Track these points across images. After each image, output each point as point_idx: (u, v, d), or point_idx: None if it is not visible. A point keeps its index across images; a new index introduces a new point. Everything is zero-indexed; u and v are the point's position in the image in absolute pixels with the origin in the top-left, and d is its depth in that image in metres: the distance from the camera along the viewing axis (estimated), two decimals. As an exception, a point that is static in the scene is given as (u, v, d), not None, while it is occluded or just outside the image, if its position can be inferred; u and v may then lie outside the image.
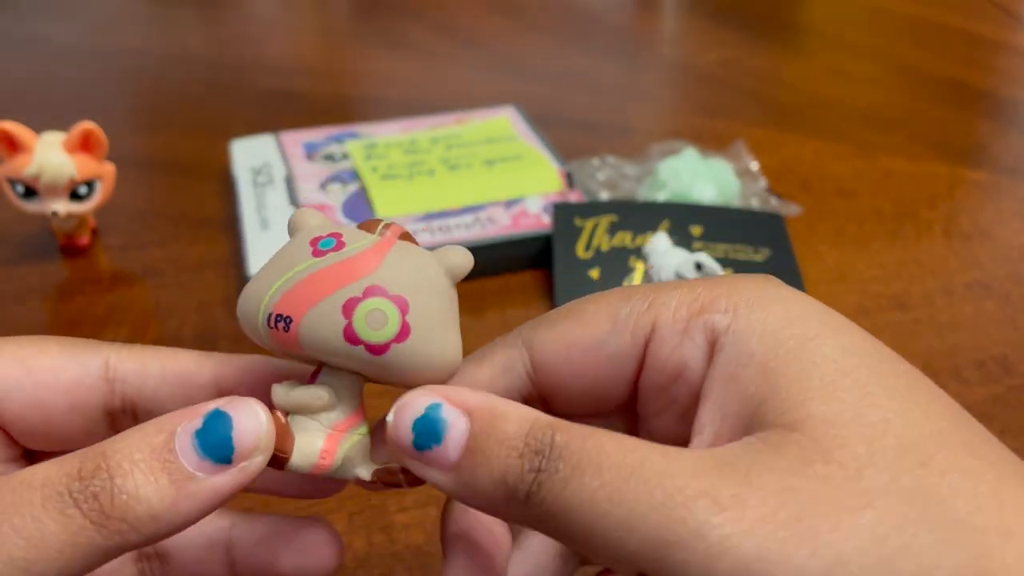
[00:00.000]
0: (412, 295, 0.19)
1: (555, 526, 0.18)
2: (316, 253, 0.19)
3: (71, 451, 0.22)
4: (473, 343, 0.44)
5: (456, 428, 0.19)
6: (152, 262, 0.49)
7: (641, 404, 0.22)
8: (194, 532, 0.23)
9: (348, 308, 0.19)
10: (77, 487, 0.17)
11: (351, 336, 0.19)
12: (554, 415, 0.23)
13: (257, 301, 0.19)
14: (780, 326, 0.19)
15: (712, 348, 0.20)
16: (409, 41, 0.77)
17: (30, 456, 0.23)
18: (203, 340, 0.43)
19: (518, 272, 0.48)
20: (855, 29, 0.82)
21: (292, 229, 0.21)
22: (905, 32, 0.80)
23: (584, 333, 0.21)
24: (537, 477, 0.17)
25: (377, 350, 0.19)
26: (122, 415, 0.22)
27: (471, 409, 0.19)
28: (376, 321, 0.19)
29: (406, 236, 0.21)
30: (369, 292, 0.19)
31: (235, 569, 0.23)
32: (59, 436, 0.22)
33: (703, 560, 0.16)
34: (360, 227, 0.20)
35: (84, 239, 0.50)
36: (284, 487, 0.23)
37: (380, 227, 0.20)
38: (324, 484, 0.23)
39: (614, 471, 0.17)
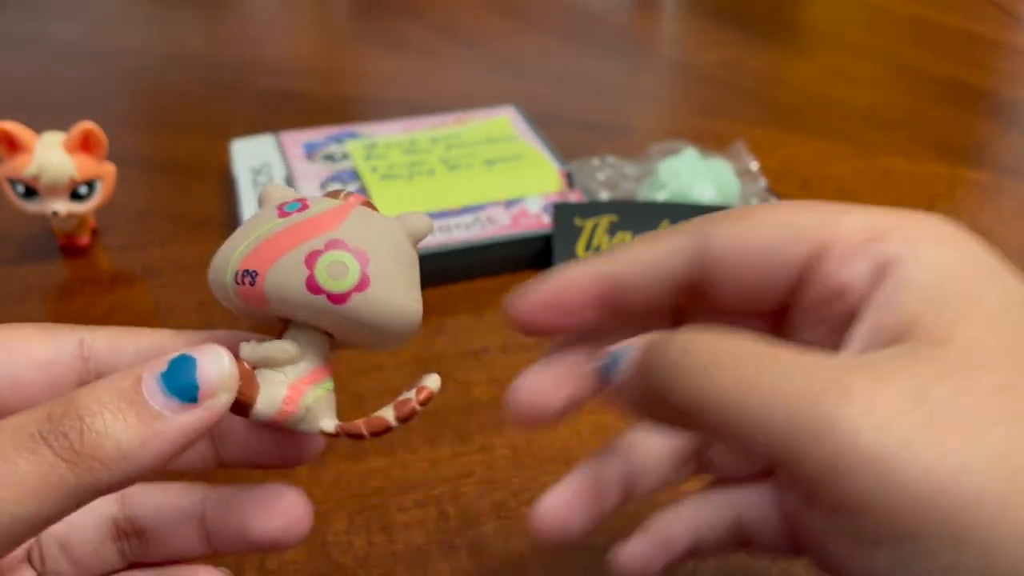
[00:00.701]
0: (372, 250, 0.20)
1: (688, 414, 0.19)
2: (282, 215, 0.20)
3: None
4: (473, 343, 0.44)
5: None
6: (152, 262, 0.49)
7: (796, 314, 0.23)
8: (169, 507, 0.24)
9: (311, 260, 0.20)
10: (47, 427, 0.17)
11: (313, 286, 0.19)
12: (706, 310, 0.24)
13: (225, 261, 0.20)
14: (952, 262, 0.20)
15: (880, 274, 0.20)
16: (409, 41, 0.77)
17: None
18: (203, 340, 0.43)
19: (518, 272, 0.48)
20: (855, 29, 0.82)
21: (261, 203, 0.22)
22: (905, 32, 0.80)
23: (760, 236, 0.22)
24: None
25: (338, 299, 0.20)
26: None
27: None
28: (337, 272, 0.20)
29: (368, 204, 0.22)
30: (330, 245, 0.20)
31: (210, 540, 0.24)
32: None
33: (830, 452, 0.17)
34: (325, 195, 0.22)
35: (84, 239, 0.50)
36: (259, 455, 0.24)
37: (343, 194, 0.21)
38: (295, 444, 0.23)
39: (750, 363, 0.18)
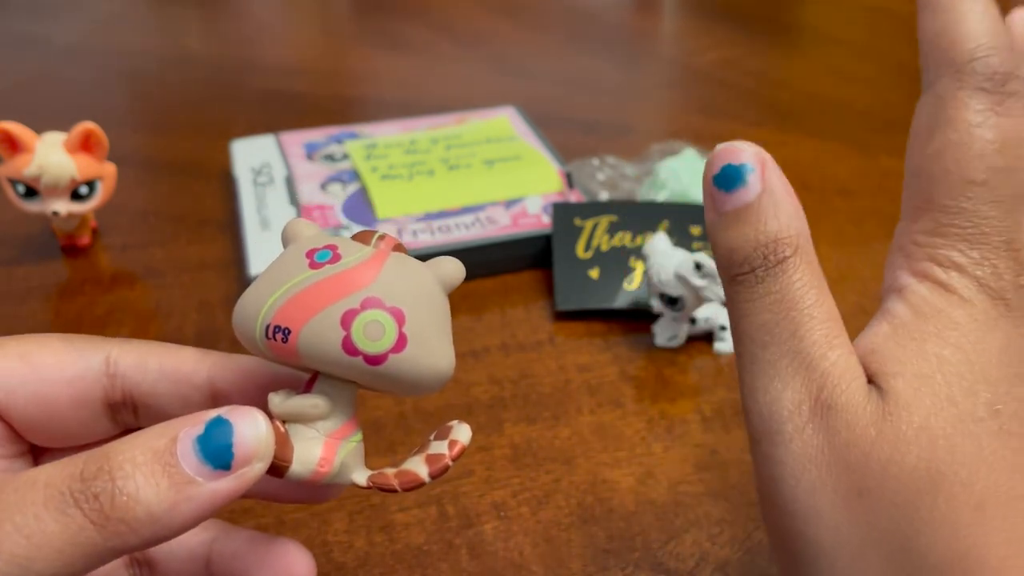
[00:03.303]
0: (408, 307, 0.20)
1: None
2: (313, 265, 0.20)
3: (74, 446, 0.23)
4: (473, 343, 0.44)
5: (751, 189, 0.22)
6: (153, 262, 0.49)
7: None
8: (179, 544, 0.24)
9: (346, 320, 0.19)
10: (79, 487, 0.17)
11: (349, 347, 0.19)
12: None
13: (255, 313, 0.20)
14: None
15: None
16: (409, 41, 0.77)
17: (35, 451, 0.24)
18: (204, 340, 0.43)
19: (518, 272, 0.48)
20: (855, 29, 0.82)
21: (286, 240, 0.21)
22: (905, 32, 0.80)
23: None
24: (764, 263, 0.21)
25: (375, 360, 0.19)
26: (123, 408, 0.23)
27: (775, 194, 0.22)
28: (374, 332, 0.19)
29: (399, 248, 0.21)
30: (366, 304, 0.19)
31: None
32: (63, 430, 0.23)
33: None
34: (354, 238, 0.21)
35: (85, 239, 0.50)
36: (283, 493, 0.24)
37: (375, 239, 0.21)
38: (321, 489, 0.23)
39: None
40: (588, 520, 0.34)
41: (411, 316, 0.19)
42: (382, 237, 0.21)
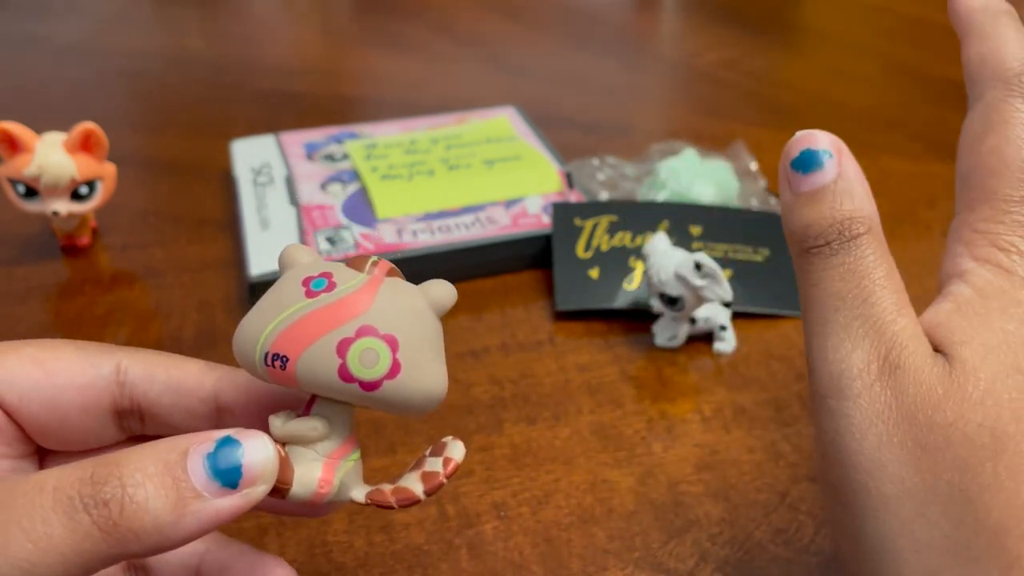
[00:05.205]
0: (401, 333, 0.20)
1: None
2: (309, 294, 0.20)
3: (81, 449, 0.23)
4: (473, 343, 0.44)
5: (828, 172, 0.23)
6: (153, 262, 0.49)
7: None
8: (174, 552, 0.24)
9: (342, 348, 0.20)
10: (89, 492, 0.17)
11: (345, 375, 0.20)
12: None
13: (254, 340, 0.21)
14: None
15: None
16: (409, 41, 0.77)
17: (41, 453, 0.24)
18: (203, 340, 0.43)
19: (518, 272, 0.48)
20: (855, 29, 0.82)
21: (283, 266, 0.22)
22: (905, 32, 0.80)
23: None
24: (840, 238, 0.22)
25: (370, 387, 0.20)
26: (130, 415, 0.23)
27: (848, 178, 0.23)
28: (369, 360, 0.20)
29: (393, 272, 0.22)
30: (361, 332, 0.20)
31: None
32: (71, 435, 0.23)
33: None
34: (349, 264, 0.21)
35: (85, 239, 0.50)
36: (283, 506, 0.24)
37: (368, 265, 0.21)
38: (320, 506, 0.24)
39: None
40: (588, 520, 0.34)
41: (405, 342, 0.20)
42: (375, 263, 0.21)
